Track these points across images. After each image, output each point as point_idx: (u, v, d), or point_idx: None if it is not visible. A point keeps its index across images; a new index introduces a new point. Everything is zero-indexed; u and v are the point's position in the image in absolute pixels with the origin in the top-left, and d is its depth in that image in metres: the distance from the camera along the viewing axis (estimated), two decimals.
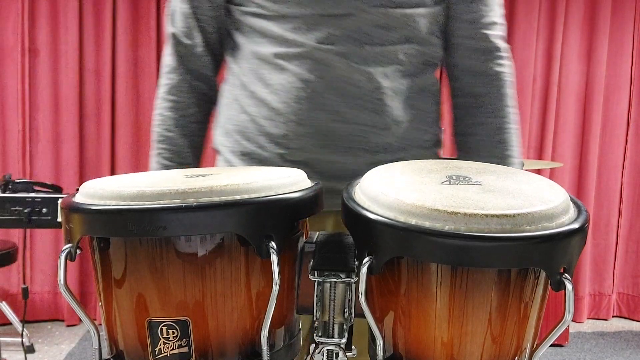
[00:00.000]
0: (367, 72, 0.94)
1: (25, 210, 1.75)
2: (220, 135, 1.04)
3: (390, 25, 0.94)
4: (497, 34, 1.02)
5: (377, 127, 0.95)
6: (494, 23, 1.02)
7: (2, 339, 2.72)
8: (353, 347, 0.66)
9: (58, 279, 0.58)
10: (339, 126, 0.94)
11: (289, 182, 0.63)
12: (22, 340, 2.18)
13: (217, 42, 1.04)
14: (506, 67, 1.03)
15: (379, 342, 0.58)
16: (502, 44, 1.03)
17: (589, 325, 3.50)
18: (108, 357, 0.63)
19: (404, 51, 0.96)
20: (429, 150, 1.03)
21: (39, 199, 1.77)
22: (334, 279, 0.63)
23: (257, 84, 0.97)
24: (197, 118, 1.05)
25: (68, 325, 3.21)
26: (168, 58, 1.05)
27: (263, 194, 0.59)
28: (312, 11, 0.93)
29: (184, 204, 0.55)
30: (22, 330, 2.10)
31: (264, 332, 0.59)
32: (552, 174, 3.41)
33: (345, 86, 0.94)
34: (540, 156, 3.48)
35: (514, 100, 1.03)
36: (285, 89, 0.95)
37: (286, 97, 0.94)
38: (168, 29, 1.04)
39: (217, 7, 1.01)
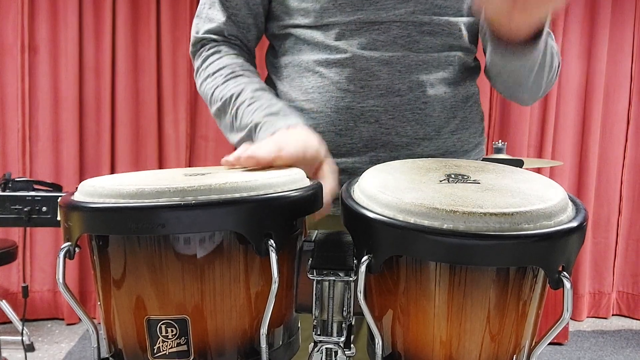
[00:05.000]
0: (410, 81, 0.92)
1: (25, 209, 1.75)
2: None
3: (435, 32, 0.93)
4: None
5: (419, 138, 0.94)
6: None
7: (2, 337, 2.72)
8: (352, 345, 0.66)
9: (57, 278, 0.58)
10: (380, 137, 0.93)
11: (288, 180, 0.63)
12: (22, 339, 2.18)
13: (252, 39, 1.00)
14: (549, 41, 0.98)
15: (378, 341, 0.58)
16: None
17: (588, 324, 3.50)
18: (107, 355, 0.62)
19: (448, 59, 0.95)
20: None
21: (39, 198, 1.77)
22: (333, 278, 0.63)
23: (295, 91, 0.95)
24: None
25: (68, 324, 3.21)
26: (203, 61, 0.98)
27: (262, 192, 0.59)
28: (356, 18, 0.91)
29: (182, 202, 0.55)
30: (22, 329, 2.11)
31: (263, 331, 0.59)
32: (552, 173, 3.41)
33: (387, 95, 0.92)
34: (540, 155, 3.48)
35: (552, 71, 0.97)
36: (324, 98, 0.93)
37: (324, 106, 0.93)
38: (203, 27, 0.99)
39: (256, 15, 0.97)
